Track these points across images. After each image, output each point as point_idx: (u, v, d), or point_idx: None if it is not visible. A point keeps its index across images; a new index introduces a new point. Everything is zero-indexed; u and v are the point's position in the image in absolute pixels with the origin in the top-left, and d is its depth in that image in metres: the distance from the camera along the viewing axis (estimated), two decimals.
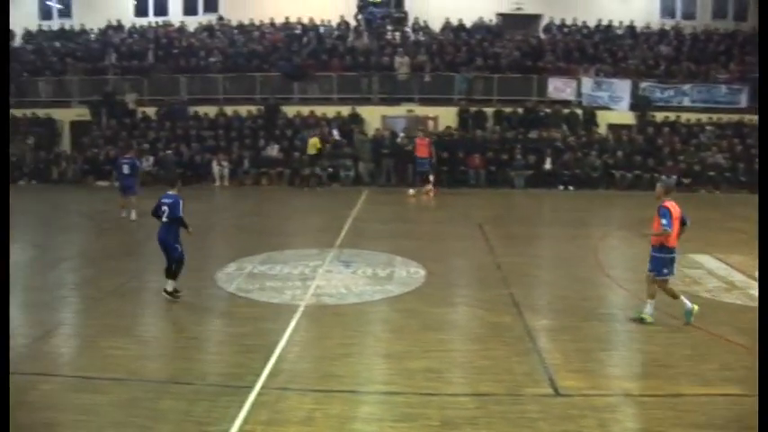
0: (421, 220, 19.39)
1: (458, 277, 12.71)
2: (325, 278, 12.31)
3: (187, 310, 11.01)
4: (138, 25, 33.66)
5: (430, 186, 22.70)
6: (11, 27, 33.96)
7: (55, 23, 34.92)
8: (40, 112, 29.59)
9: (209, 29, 32.26)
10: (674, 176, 18.60)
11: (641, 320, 9.90)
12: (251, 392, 7.59)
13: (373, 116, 27.22)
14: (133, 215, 18.56)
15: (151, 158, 26.44)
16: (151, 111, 28.99)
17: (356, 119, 27.01)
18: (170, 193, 11.48)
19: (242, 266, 13.28)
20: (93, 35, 33.60)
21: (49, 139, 29.09)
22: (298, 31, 31.11)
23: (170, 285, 11.31)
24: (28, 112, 29.71)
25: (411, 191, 22.97)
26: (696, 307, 9.85)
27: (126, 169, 19.23)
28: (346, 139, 26.26)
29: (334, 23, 31.30)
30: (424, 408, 7.19)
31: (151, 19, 34.05)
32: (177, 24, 33.11)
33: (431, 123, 27.19)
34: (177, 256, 11.34)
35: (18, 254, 15.14)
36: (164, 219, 11.29)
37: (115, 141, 27.51)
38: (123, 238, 17.04)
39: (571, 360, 8.44)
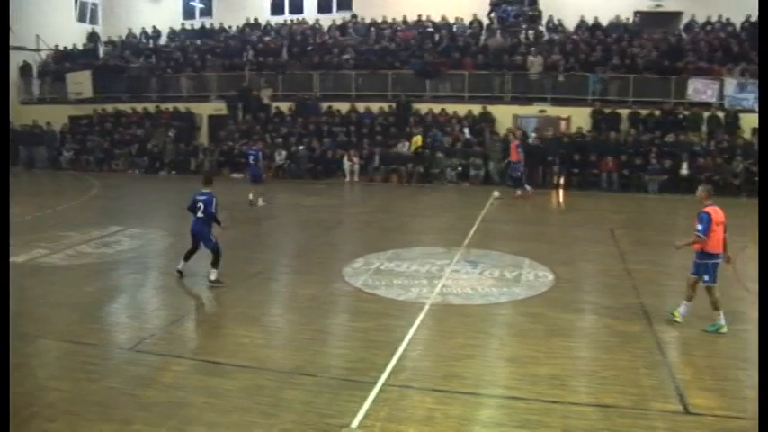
0: (550, 223, 19.07)
1: (586, 283, 12.40)
2: (451, 277, 12.33)
3: (314, 303, 11.28)
4: (273, 23, 34.73)
5: (519, 191, 22.20)
6: (157, 26, 35.85)
7: (197, 22, 36.63)
8: (181, 107, 31.11)
9: (342, 26, 32.86)
10: None
11: (672, 317, 9.97)
12: (373, 388, 7.71)
13: (504, 115, 26.95)
14: (260, 202, 20.12)
15: (284, 153, 27.21)
16: (285, 106, 29.80)
17: (487, 118, 26.85)
18: (204, 191, 12.39)
19: (369, 262, 13.48)
20: (231, 33, 34.89)
21: (188, 132, 30.49)
22: (430, 29, 31.19)
23: (213, 275, 12.12)
24: (170, 106, 31.28)
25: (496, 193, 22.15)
26: (725, 328, 9.58)
27: (251, 159, 20.75)
28: (477, 138, 26.16)
29: (466, 21, 31.22)
30: (546, 415, 7.10)
31: (286, 17, 35.11)
32: (311, 22, 33.91)
33: (563, 124, 26.70)
34: (212, 246, 12.21)
35: (157, 241, 16.03)
36: (198, 214, 12.23)
37: (250, 135, 28.47)
38: (254, 228, 17.68)
39: (703, 377, 8.09)
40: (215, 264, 12.17)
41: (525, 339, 9.31)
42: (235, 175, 27.31)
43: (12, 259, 14.24)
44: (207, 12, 37.31)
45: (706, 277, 9.79)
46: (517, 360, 8.57)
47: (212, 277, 12.11)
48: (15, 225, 17.88)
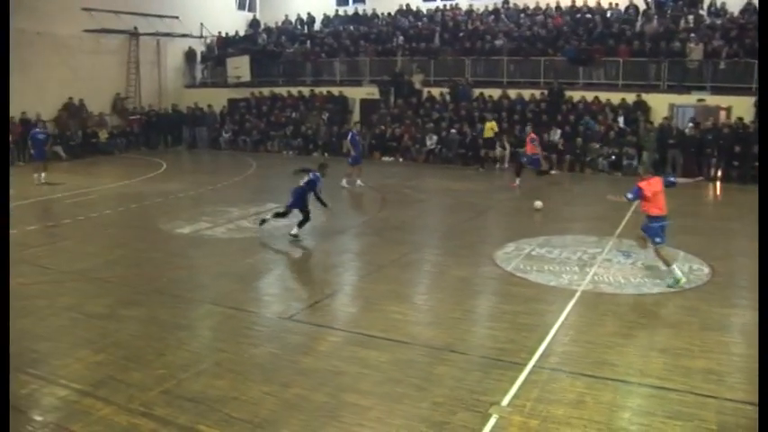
0: (707, 216, 18.46)
1: (743, 278, 11.92)
2: (603, 266, 12.30)
3: (465, 284, 11.56)
4: (425, 9, 35.02)
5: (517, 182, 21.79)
6: (311, 12, 37.00)
7: (350, 8, 37.57)
8: (335, 90, 31.98)
9: (495, 12, 32.73)
10: None
11: (677, 283, 11.12)
12: (523, 369, 7.88)
13: (660, 104, 26.02)
14: (359, 182, 21.48)
15: (435, 137, 27.51)
16: (436, 91, 30.07)
17: (642, 106, 26.10)
18: (317, 173, 14.92)
19: (520, 247, 13.61)
20: (384, 19, 35.46)
21: (341, 115, 31.29)
22: (584, 15, 30.61)
23: (295, 230, 14.58)
24: (324, 89, 32.28)
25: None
26: (684, 279, 11.24)
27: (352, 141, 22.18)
28: (630, 127, 25.54)
29: (622, 7, 30.40)
30: (700, 409, 7.02)
31: (438, 3, 35.30)
32: (464, 8, 33.97)
33: (723, 114, 25.56)
34: (306, 213, 14.68)
35: (313, 219, 16.73)
36: (301, 183, 14.72)
37: (401, 120, 29.00)
38: (405, 211, 18.09)
39: None
40: (301, 225, 14.58)
41: (678, 331, 9.20)
42: (386, 159, 27.92)
43: (178, 231, 15.42)
44: None
45: (657, 239, 11.52)
46: (670, 351, 8.50)
47: (293, 232, 14.58)
48: (180, 200, 19.26)
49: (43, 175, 22.12)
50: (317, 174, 14.87)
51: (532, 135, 22.36)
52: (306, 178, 14.72)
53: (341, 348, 8.70)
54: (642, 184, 11.62)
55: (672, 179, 12.52)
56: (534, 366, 8.00)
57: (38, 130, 23.84)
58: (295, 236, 14.53)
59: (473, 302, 10.82)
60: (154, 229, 15.92)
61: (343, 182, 21.44)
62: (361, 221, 17.09)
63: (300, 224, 14.62)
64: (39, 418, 7.00)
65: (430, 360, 8.27)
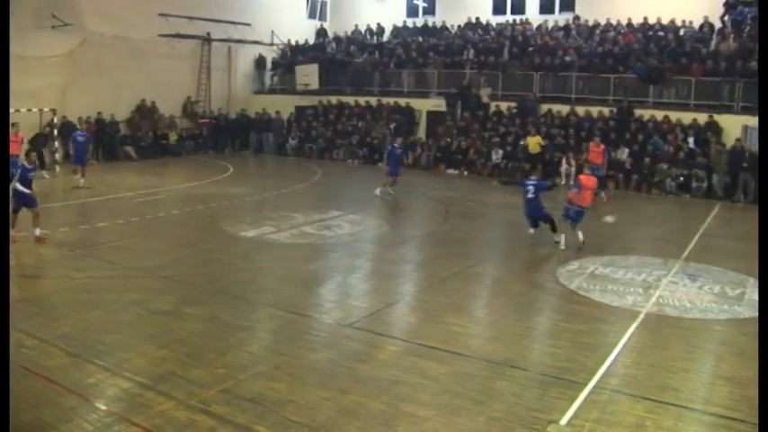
0: None
1: None
2: (668, 289, 12.12)
3: (527, 300, 11.55)
4: (495, 23, 34.89)
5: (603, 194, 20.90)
6: (381, 23, 37.25)
7: (419, 20, 37.64)
8: (402, 101, 32.06)
9: (565, 28, 32.45)
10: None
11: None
12: (583, 389, 7.83)
13: (733, 126, 25.33)
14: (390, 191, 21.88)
15: (500, 152, 27.39)
16: (504, 105, 29.91)
17: (713, 127, 25.52)
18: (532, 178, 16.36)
19: (584, 266, 13.48)
20: (453, 31, 35.46)
21: (407, 126, 31.33)
22: (656, 33, 30.12)
23: (556, 237, 15.58)
24: (391, 100, 32.41)
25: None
26: (563, 246, 15.10)
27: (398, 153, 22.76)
28: (701, 148, 25.00)
29: (696, 25, 29.80)
30: None
31: (509, 17, 35.14)
32: (534, 23, 33.76)
33: None
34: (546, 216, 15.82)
35: (374, 228, 16.89)
36: (528, 196, 15.59)
37: (467, 133, 28.97)
38: (469, 224, 18.08)
39: None
40: (553, 228, 15.65)
41: (746, 360, 8.90)
42: (450, 171, 27.89)
43: (242, 233, 15.68)
44: (430, 10, 38.24)
45: (574, 220, 15.26)
46: (737, 380, 8.30)
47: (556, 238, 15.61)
48: (245, 203, 19.58)
49: (81, 180, 21.93)
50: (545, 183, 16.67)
51: (603, 147, 22.54)
52: (531, 191, 15.69)
53: (400, 358, 8.73)
54: (582, 178, 15.57)
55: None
56: (594, 387, 7.94)
57: (79, 131, 23.98)
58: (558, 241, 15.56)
59: (534, 319, 10.78)
60: (219, 230, 16.21)
61: (377, 191, 21.74)
62: (425, 233, 17.09)
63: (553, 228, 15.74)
64: (103, 408, 7.23)
65: (489, 374, 8.26)
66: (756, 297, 11.76)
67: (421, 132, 31.63)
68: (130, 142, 29.83)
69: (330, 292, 12.03)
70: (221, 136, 34.32)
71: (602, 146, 22.89)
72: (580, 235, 15.11)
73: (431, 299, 11.46)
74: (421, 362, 8.54)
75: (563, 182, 25.43)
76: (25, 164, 14.64)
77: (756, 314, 10.88)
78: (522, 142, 26.76)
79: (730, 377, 8.43)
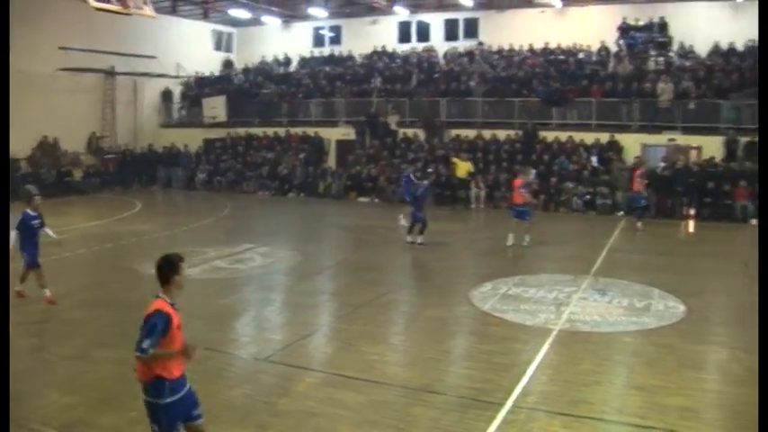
0: (680, 254, 18.57)
1: (719, 315, 12.09)
2: (579, 305, 12.34)
3: (442, 324, 11.55)
4: (401, 50, 35.40)
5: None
6: (288, 53, 37.29)
7: (326, 50, 37.85)
8: (310, 131, 32.17)
9: (469, 54, 33.13)
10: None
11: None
12: (501, 409, 7.85)
13: (633, 144, 26.41)
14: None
15: None
16: (412, 132, 30.29)
17: (615, 146, 26.45)
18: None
19: (497, 287, 13.62)
20: (359, 60, 35.79)
21: (316, 155, 31.38)
22: (557, 57, 31.10)
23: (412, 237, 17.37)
24: (299, 130, 32.44)
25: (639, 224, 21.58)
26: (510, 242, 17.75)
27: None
28: (604, 166, 25.83)
29: (594, 49, 30.92)
30: None
31: (414, 44, 35.67)
32: (440, 50, 34.37)
33: (693, 153, 25.95)
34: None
35: (287, 259, 16.74)
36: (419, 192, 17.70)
37: (377, 160, 29.17)
38: (381, 251, 18.06)
39: None
40: (413, 230, 17.72)
41: (655, 369, 9.21)
42: (361, 199, 27.97)
43: (152, 272, 15.14)
44: (336, 40, 38.49)
45: (523, 217, 17.83)
46: (646, 389, 8.50)
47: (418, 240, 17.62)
48: (154, 240, 19.11)
49: None
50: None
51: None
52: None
53: (317, 389, 8.62)
54: (518, 182, 18.16)
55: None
56: (512, 406, 7.97)
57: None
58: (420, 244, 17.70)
59: (450, 342, 10.81)
60: (128, 269, 15.75)
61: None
62: (337, 262, 17.05)
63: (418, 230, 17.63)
64: None
65: (407, 401, 8.21)
66: (662, 307, 12.25)
67: (331, 161, 31.72)
68: (32, 180, 28.86)
69: (244, 326, 11.81)
70: (128, 171, 33.58)
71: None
72: (526, 237, 17.67)
73: (346, 328, 11.39)
74: (338, 392, 8.44)
75: (473, 205, 25.86)
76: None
77: (663, 323, 11.33)
78: (554, 166, 26.44)
79: (641, 386, 8.63)
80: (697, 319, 11.66)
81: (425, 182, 19.26)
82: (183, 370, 5.82)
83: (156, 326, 5.56)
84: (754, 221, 22.42)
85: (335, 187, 29.44)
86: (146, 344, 5.49)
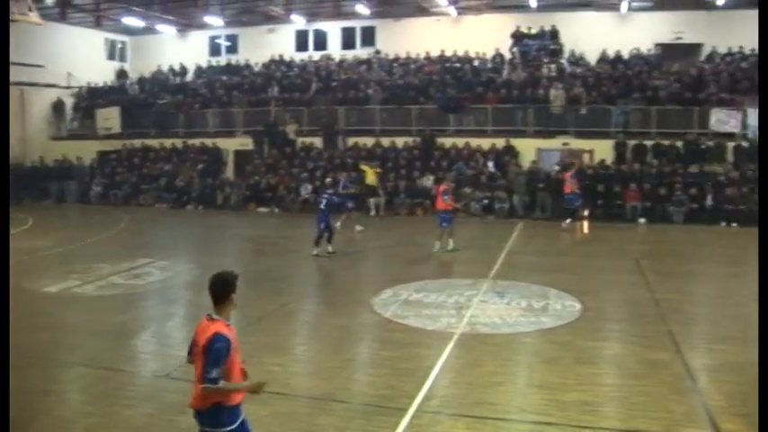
0: (576, 254, 19.11)
1: (614, 312, 12.48)
2: (479, 308, 12.46)
3: (345, 333, 11.47)
4: (299, 59, 35.22)
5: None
6: (184, 63, 36.55)
7: (223, 59, 37.24)
8: (208, 142, 31.64)
9: (367, 62, 33.28)
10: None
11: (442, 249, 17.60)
12: (405, 415, 7.82)
13: (528, 149, 27.14)
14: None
15: (309, 187, 27.48)
16: (310, 141, 30.19)
17: (511, 151, 27.03)
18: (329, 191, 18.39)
19: (398, 293, 13.62)
20: (257, 69, 35.44)
21: (214, 166, 30.88)
22: (453, 64, 31.57)
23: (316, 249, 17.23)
24: (197, 141, 31.83)
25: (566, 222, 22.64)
26: (437, 249, 17.72)
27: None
28: (501, 171, 26.33)
29: (488, 56, 31.56)
30: None
31: (311, 53, 35.56)
32: (337, 58, 34.38)
33: (586, 156, 26.80)
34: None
35: (186, 273, 16.34)
36: (321, 206, 17.57)
37: (276, 170, 28.90)
38: (282, 261, 17.85)
39: (734, 403, 8.09)
40: (318, 241, 17.56)
41: (554, 367, 9.38)
42: (261, 209, 27.65)
43: (45, 290, 14.63)
44: (233, 49, 37.95)
45: (444, 224, 17.64)
46: (547, 387, 8.65)
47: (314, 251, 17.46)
48: (47, 257, 18.36)
49: None
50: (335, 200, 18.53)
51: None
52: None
53: None
54: (445, 186, 18.00)
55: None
56: (416, 411, 7.95)
57: None
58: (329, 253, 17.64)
59: (353, 350, 10.73)
60: (18, 288, 14.93)
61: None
62: (238, 273, 16.69)
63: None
64: None
65: (311, 411, 8.10)
66: (559, 307, 12.51)
67: (229, 172, 31.24)
68: None
69: (144, 343, 11.38)
70: (18, 186, 32.13)
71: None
72: (450, 242, 17.69)
73: (248, 340, 11.08)
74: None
75: (373, 212, 25.86)
76: None
77: (560, 322, 11.56)
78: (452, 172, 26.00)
79: (541, 384, 8.78)
80: (593, 317, 11.97)
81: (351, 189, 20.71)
82: (242, 397, 5.55)
83: (221, 350, 5.24)
84: (642, 220, 23.39)
85: (234, 198, 28.99)
86: (215, 373, 5.19)
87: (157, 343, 11.36)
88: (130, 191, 31.08)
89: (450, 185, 18.73)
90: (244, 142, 31.28)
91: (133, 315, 12.88)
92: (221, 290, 5.50)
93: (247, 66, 35.93)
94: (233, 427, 5.39)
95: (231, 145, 31.64)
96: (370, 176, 26.11)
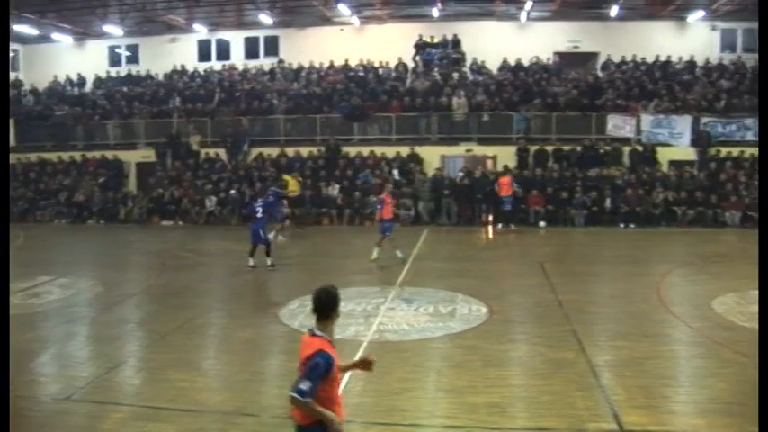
0: (481, 259, 19.37)
1: (519, 314, 12.71)
2: (387, 315, 12.48)
3: (252, 345, 11.30)
4: (202, 69, 34.64)
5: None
6: (82, 73, 35.39)
7: (123, 69, 36.12)
8: (109, 154, 30.64)
9: (270, 72, 33.01)
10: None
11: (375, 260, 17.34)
12: None
13: (432, 156, 27.44)
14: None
15: (214, 199, 27.04)
16: (214, 152, 29.68)
17: (415, 159, 27.25)
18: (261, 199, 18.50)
19: (304, 303, 13.41)
20: (158, 80, 34.67)
21: (116, 179, 29.98)
22: (357, 73, 31.66)
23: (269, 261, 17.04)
24: (97, 154, 30.83)
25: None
26: (375, 258, 17.48)
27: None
28: (406, 178, 26.49)
29: (392, 65, 31.75)
30: None
31: (214, 63, 35.03)
32: (240, 68, 33.98)
33: (489, 162, 27.30)
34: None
35: (87, 290, 15.79)
36: (259, 215, 17.32)
37: (179, 182, 28.31)
38: (187, 275, 17.46)
39: (635, 396, 8.38)
40: (267, 252, 17.19)
41: (462, 371, 9.48)
42: (165, 223, 27.05)
43: None
44: (133, 59, 36.81)
45: (387, 233, 17.61)
46: (456, 391, 8.74)
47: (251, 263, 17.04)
48: None
49: None
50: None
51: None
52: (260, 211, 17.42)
53: (126, 425, 8.10)
54: (384, 196, 17.97)
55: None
56: None
57: None
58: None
59: (261, 363, 10.55)
60: None
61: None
62: (141, 289, 16.24)
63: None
64: None
65: (221, 426, 7.96)
66: (466, 311, 12.64)
67: (131, 185, 30.34)
68: None
69: (43, 365, 10.89)
70: None
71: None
72: (398, 253, 17.73)
73: (154, 357, 10.85)
74: (148, 425, 7.99)
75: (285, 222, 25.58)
76: None
77: (467, 326, 11.68)
78: (357, 181, 26.51)
79: (450, 388, 8.87)
80: (499, 320, 12.15)
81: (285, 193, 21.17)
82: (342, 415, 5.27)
83: (319, 365, 4.95)
84: (543, 223, 23.99)
85: (137, 212, 28.19)
86: (305, 385, 4.89)
87: (58, 364, 10.89)
88: (27, 206, 29.81)
89: (389, 194, 18.89)
90: (146, 154, 30.47)
91: (31, 336, 12.29)
92: (325, 304, 5.33)
93: (149, 76, 35.03)
94: None
95: (133, 157, 30.73)
96: (293, 186, 25.82)
